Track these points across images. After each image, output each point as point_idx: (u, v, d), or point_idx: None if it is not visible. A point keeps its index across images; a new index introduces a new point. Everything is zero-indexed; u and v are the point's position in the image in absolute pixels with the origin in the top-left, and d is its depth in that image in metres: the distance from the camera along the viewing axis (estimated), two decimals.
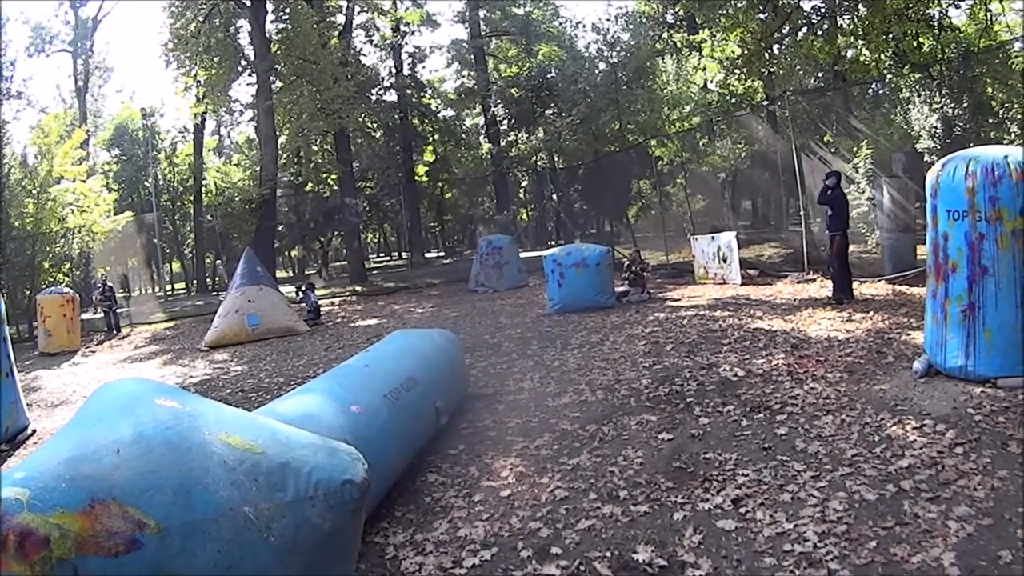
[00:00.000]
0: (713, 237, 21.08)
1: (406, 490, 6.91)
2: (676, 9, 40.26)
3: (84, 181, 35.40)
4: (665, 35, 38.93)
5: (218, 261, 59.33)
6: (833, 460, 6.33)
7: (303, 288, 24.63)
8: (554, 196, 47.08)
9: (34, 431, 11.61)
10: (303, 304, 23.58)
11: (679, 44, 36.27)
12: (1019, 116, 22.97)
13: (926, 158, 21.06)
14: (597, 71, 40.33)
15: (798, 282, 18.29)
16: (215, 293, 46.57)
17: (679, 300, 17.88)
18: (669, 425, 7.66)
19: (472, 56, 52.45)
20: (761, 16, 23.96)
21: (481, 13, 52.27)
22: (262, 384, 13.43)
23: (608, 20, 44.48)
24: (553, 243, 44.87)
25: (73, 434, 4.03)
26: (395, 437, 6.78)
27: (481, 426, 8.59)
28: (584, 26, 51.47)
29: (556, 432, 7.96)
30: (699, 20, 34.33)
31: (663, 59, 35.19)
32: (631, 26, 41.14)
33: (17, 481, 3.54)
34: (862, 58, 27.68)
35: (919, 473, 5.86)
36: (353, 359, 8.48)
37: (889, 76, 26.81)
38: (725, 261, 20.21)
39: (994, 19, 24.84)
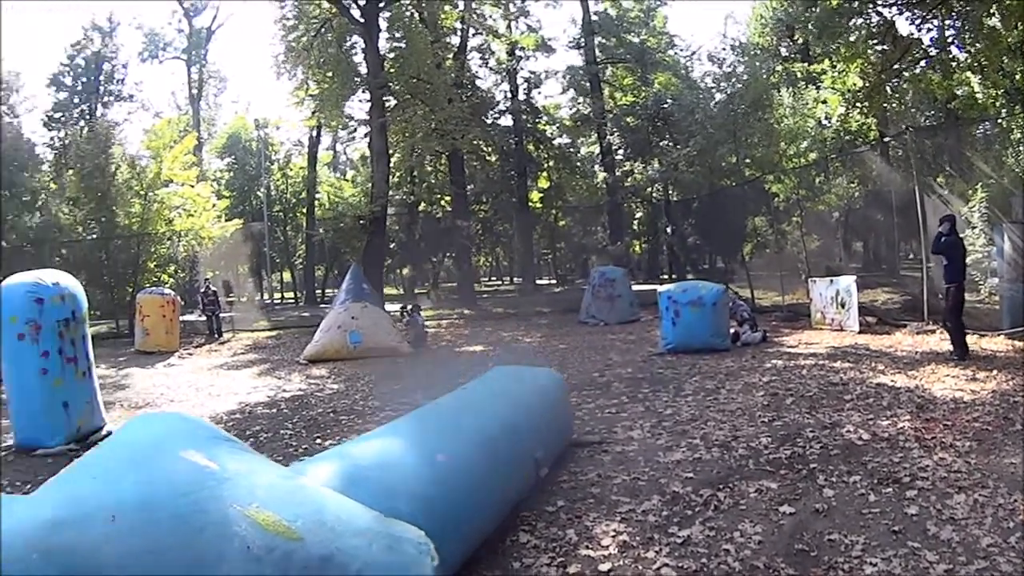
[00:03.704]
0: (832, 280, 20.27)
1: (493, 550, 6.10)
2: (793, 40, 39.81)
3: (193, 186, 36.08)
4: (779, 68, 38.40)
5: (329, 274, 60.05)
6: (967, 550, 5.59)
7: (408, 309, 24.15)
8: (668, 229, 46.71)
9: (109, 432, 11.25)
10: (408, 326, 23.15)
11: (799, 75, 35.75)
12: None
13: None
14: (713, 102, 39.94)
15: (917, 333, 17.44)
16: (323, 305, 46.89)
17: (796, 346, 17.16)
18: (791, 495, 6.93)
19: (588, 83, 51.98)
20: (880, 47, 23.52)
21: (596, 40, 51.88)
22: (355, 407, 13.03)
23: (724, 50, 44.10)
24: (666, 277, 44.46)
25: (65, 487, 3.40)
26: (486, 492, 6.01)
27: (584, 480, 7.82)
28: (699, 57, 50.97)
29: (667, 495, 7.18)
30: (816, 51, 33.87)
31: (779, 91, 34.69)
32: (746, 57, 40.63)
33: None
34: (977, 95, 26.98)
35: None
36: (447, 397, 7.74)
37: (1002, 116, 26.05)
38: (843, 306, 19.32)
39: None
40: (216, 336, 28.68)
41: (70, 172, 39.09)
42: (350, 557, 3.48)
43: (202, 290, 30.56)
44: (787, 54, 41.22)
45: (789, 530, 6.16)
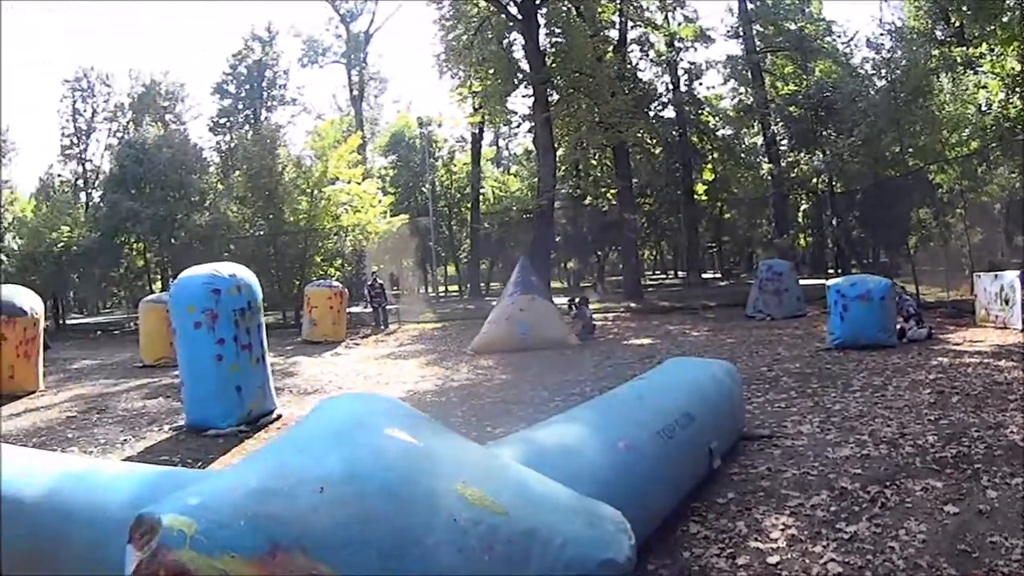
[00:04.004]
0: (996, 275, 19.38)
1: (664, 540, 6.04)
2: (948, 23, 38.57)
3: (359, 183, 36.91)
4: (936, 52, 37.36)
5: (494, 267, 60.51)
6: None
7: (576, 302, 24.35)
8: (834, 221, 45.88)
9: (279, 415, 11.87)
10: (577, 320, 23.24)
11: (957, 59, 34.71)
12: None
13: None
14: (874, 90, 39.05)
15: None
16: (488, 298, 47.35)
17: (960, 344, 16.55)
18: (955, 495, 6.72)
19: (748, 72, 51.30)
20: None
21: (755, 28, 51.28)
22: (524, 396, 13.02)
23: (883, 35, 42.99)
24: (831, 271, 43.65)
25: (270, 459, 3.44)
26: (663, 481, 5.99)
27: (754, 473, 7.73)
28: (856, 44, 49.79)
29: (835, 490, 7.06)
30: (972, 34, 32.88)
31: (938, 77, 33.81)
32: (903, 42, 39.60)
33: (187, 508, 2.88)
34: None
35: None
36: (624, 387, 7.73)
37: None
38: (1007, 303, 18.60)
39: None
40: (382, 327, 29.25)
41: (237, 173, 40.70)
42: (552, 532, 3.52)
43: (369, 283, 31.17)
44: (943, 37, 39.98)
45: (952, 530, 5.99)
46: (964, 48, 34.53)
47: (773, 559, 5.74)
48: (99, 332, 38.29)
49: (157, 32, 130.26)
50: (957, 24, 36.91)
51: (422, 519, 3.21)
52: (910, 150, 34.36)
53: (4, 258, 45.25)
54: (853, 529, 6.18)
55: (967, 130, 32.28)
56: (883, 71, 38.35)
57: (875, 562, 5.58)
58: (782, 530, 6.28)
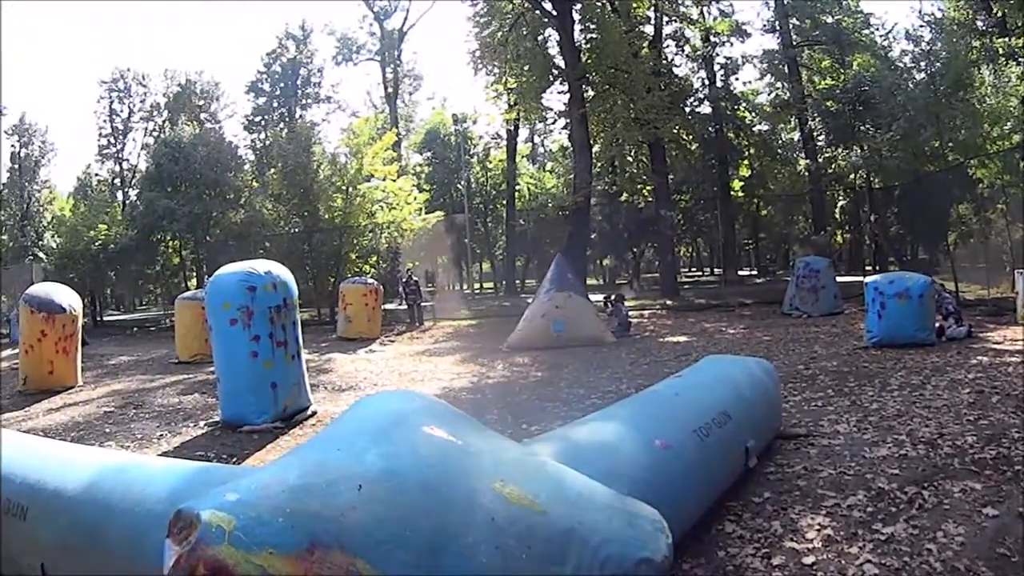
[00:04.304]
0: None
1: (698, 538, 6.01)
2: (990, 12, 38.01)
3: (394, 180, 36.98)
4: (976, 43, 36.84)
5: (530, 264, 60.58)
6: None
7: (612, 299, 24.19)
8: (872, 218, 45.63)
9: (314, 412, 11.93)
10: (613, 317, 23.08)
11: (999, 50, 34.24)
12: None
13: None
14: (913, 83, 38.67)
15: None
16: (523, 295, 47.39)
17: (1001, 343, 16.26)
18: (995, 497, 6.60)
19: (785, 67, 50.99)
20: None
21: (791, 22, 50.94)
22: (560, 394, 12.97)
23: (921, 27, 42.58)
24: (869, 268, 43.33)
25: (309, 456, 3.45)
26: (700, 479, 5.97)
27: (790, 472, 7.65)
28: (894, 37, 49.34)
29: (872, 491, 6.96)
30: (1014, 24, 32.57)
31: (979, 69, 33.38)
32: (943, 33, 39.30)
33: (226, 504, 2.91)
34: None
35: None
36: (661, 384, 7.73)
37: None
38: None
39: None
40: (417, 324, 29.33)
41: (272, 171, 40.99)
42: (590, 531, 3.53)
43: (404, 279, 31.32)
44: (984, 28, 39.43)
45: (992, 533, 5.90)
46: (1006, 39, 34.15)
47: (808, 559, 5.69)
48: (136, 329, 38.84)
49: (192, 33, 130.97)
50: (999, 14, 36.57)
51: (460, 517, 3.22)
52: (950, 144, 34.04)
53: (44, 256, 45.79)
54: (890, 530, 6.11)
55: (1009, 123, 31.85)
56: (922, 64, 38.05)
57: (912, 564, 5.51)
58: (818, 530, 6.22)
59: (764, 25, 52.67)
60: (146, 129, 70.41)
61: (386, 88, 65.40)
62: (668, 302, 34.33)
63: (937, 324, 16.79)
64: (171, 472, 4.68)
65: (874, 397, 11.11)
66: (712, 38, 48.96)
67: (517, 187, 60.82)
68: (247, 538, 2.79)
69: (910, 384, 11.87)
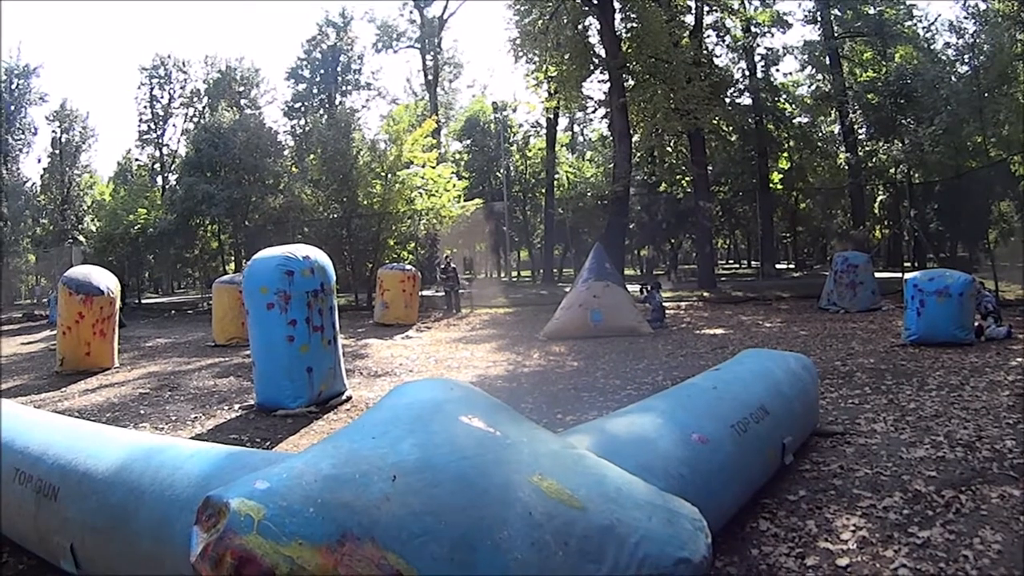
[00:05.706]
0: None
1: (732, 536, 5.89)
2: None
3: (433, 167, 36.93)
4: (1022, 36, 36.26)
5: (567, 253, 60.55)
6: None
7: (649, 287, 24.11)
8: (912, 213, 45.27)
9: (349, 397, 11.95)
10: (647, 304, 23.04)
11: None
12: None
13: None
14: (956, 76, 38.24)
15: None
16: (560, 284, 47.44)
17: None
18: None
19: (826, 59, 50.64)
20: None
21: (833, 13, 50.38)
22: (597, 384, 12.82)
23: (966, 19, 42.13)
24: (908, 265, 42.91)
25: (343, 445, 3.36)
26: (736, 475, 5.82)
27: (826, 471, 7.46)
28: (937, 29, 48.85)
29: (908, 493, 6.79)
30: None
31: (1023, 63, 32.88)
32: (987, 26, 38.84)
33: (255, 493, 2.86)
34: None
35: None
36: (699, 377, 7.55)
37: None
38: None
39: None
40: (454, 311, 29.37)
41: (311, 157, 41.37)
42: (630, 528, 3.44)
43: (441, 266, 31.43)
44: None
45: None
46: None
47: (843, 561, 5.56)
48: (173, 312, 39.08)
49: (232, 20, 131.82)
50: None
51: (496, 511, 3.16)
52: (993, 140, 33.75)
53: (83, 240, 46.25)
54: (926, 534, 5.96)
55: None
56: (966, 57, 37.78)
57: (947, 571, 5.38)
58: (853, 531, 6.08)
59: (805, 16, 51.99)
60: (186, 115, 71.73)
61: (426, 75, 65.93)
62: (705, 294, 34.16)
63: (976, 323, 16.57)
64: (202, 456, 4.65)
65: (912, 396, 10.94)
66: (753, 28, 48.84)
67: (556, 176, 60.91)
68: (276, 528, 2.75)
69: (948, 384, 11.69)
